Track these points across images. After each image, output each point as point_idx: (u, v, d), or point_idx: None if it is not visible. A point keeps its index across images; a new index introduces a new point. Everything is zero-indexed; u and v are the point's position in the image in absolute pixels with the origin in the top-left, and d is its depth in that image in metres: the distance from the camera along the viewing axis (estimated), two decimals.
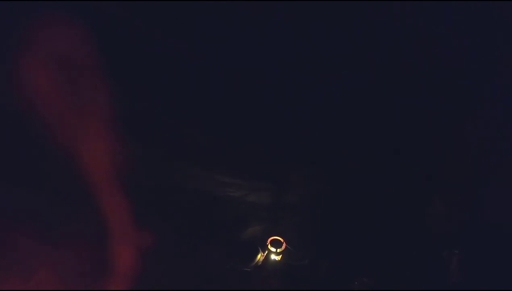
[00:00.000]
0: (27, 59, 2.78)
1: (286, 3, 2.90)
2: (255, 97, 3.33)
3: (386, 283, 3.36)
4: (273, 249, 3.47)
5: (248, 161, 3.60)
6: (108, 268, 3.10)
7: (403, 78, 3.17)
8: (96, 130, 3.03)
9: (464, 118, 3.27)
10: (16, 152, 3.19)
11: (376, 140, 3.44)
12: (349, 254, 3.54)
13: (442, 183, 3.47)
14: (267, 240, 3.50)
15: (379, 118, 3.37)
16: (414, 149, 3.42)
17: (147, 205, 3.35)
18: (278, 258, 3.51)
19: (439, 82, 3.17)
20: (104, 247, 3.10)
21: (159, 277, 3.19)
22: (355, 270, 3.47)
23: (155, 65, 3.12)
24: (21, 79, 2.79)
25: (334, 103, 3.33)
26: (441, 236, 3.47)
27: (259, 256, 3.48)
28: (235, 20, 2.99)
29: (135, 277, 3.13)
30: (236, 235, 3.71)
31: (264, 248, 3.49)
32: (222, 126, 3.43)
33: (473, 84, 3.16)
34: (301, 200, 3.78)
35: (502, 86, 3.11)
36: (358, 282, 3.41)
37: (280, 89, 3.29)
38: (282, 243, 3.48)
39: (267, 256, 3.50)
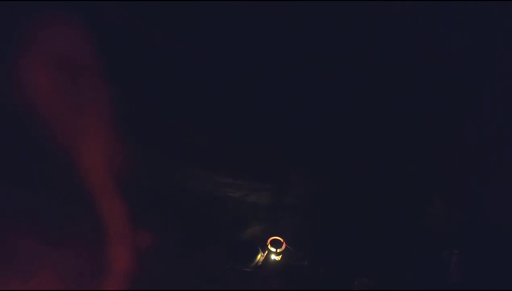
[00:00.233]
0: (27, 59, 2.78)
1: (286, 3, 2.90)
2: (255, 97, 3.33)
3: (386, 283, 3.35)
4: (273, 249, 3.47)
5: (248, 161, 3.60)
6: (108, 268, 3.10)
7: (403, 78, 3.17)
8: (96, 131, 3.03)
9: (464, 118, 3.27)
10: (16, 152, 3.20)
11: (376, 141, 3.44)
12: (349, 254, 3.53)
13: (442, 183, 3.47)
14: (267, 240, 3.49)
15: (379, 118, 3.37)
16: (414, 149, 3.42)
17: (147, 205, 3.36)
18: (278, 258, 3.50)
19: (439, 82, 3.17)
20: (104, 247, 3.10)
21: (159, 277, 3.18)
22: (355, 270, 3.47)
23: (155, 65, 3.12)
24: (21, 79, 2.80)
25: (334, 103, 3.33)
26: (441, 236, 3.46)
27: (259, 256, 3.48)
28: (235, 20, 3.00)
29: (135, 277, 3.12)
30: (236, 235, 3.70)
31: (264, 248, 3.49)
32: (222, 127, 3.43)
33: (473, 84, 3.16)
34: (301, 200, 3.77)
35: (502, 86, 3.11)
36: (358, 282, 3.40)
37: (280, 89, 3.29)
38: (282, 243, 3.48)
39: (267, 256, 3.50)
